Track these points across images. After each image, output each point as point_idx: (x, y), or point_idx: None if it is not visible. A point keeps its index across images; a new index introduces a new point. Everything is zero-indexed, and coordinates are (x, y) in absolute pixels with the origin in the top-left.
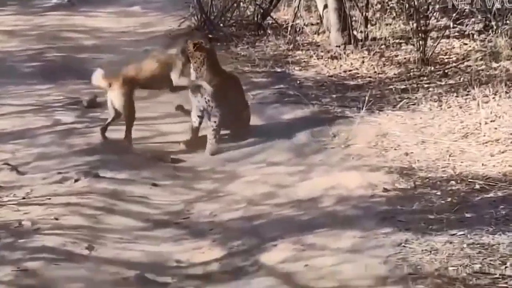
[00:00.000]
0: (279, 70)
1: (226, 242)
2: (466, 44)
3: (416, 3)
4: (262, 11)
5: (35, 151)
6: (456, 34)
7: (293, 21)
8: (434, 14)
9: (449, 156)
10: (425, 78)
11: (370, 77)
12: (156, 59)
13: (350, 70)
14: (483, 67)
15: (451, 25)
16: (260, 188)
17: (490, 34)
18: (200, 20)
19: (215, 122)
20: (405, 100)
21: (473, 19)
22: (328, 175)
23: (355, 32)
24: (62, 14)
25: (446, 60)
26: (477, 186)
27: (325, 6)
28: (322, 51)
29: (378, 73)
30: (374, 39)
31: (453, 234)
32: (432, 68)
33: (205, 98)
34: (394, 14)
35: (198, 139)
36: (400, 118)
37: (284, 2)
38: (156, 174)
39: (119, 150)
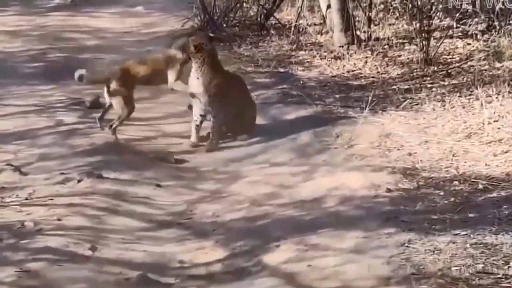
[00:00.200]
0: (282, 70)
1: (229, 242)
2: (469, 44)
3: (419, 3)
4: (265, 11)
5: (38, 151)
6: (459, 34)
7: (296, 21)
8: (437, 14)
9: (452, 156)
10: (428, 78)
11: (373, 77)
12: (155, 56)
13: (353, 70)
14: (486, 67)
15: (454, 25)
16: (263, 189)
17: (493, 34)
18: (203, 20)
19: (215, 122)
20: (408, 100)
21: (476, 19)
22: (331, 175)
23: (358, 32)
24: (64, 14)
25: (449, 60)
26: (480, 186)
27: (328, 6)
28: (325, 51)
29: (381, 73)
30: (377, 39)
31: (456, 234)
32: (435, 68)
33: (204, 103)
34: (397, 14)
35: (200, 138)
36: (403, 118)
37: (287, 3)
38: (159, 174)
39: (122, 151)
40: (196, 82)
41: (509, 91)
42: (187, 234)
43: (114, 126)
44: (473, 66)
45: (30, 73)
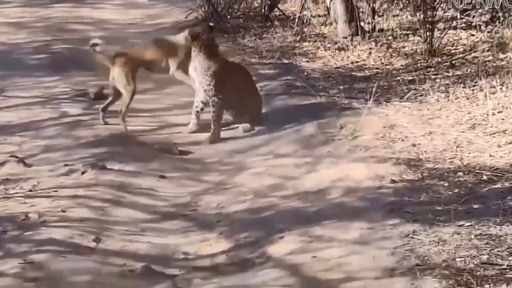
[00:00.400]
0: (286, 61)
1: (233, 234)
2: (473, 35)
3: None
4: (269, 2)
5: (42, 143)
6: (463, 25)
7: (300, 13)
8: (441, 5)
9: (457, 147)
10: (432, 69)
11: (377, 68)
12: (160, 43)
13: (357, 62)
14: (490, 58)
15: (458, 16)
16: (267, 180)
17: (497, 25)
18: (207, 11)
19: (214, 112)
20: (412, 91)
21: (480, 10)
22: (336, 166)
23: (362, 24)
24: (68, 6)
25: (453, 51)
26: (485, 177)
27: None
28: (329, 43)
29: (385, 64)
30: (381, 30)
31: (461, 225)
32: (439, 59)
33: (203, 92)
34: (401, 5)
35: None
36: (407, 109)
37: None
38: (163, 166)
39: (126, 142)
40: (193, 70)
41: None
42: (191, 226)
43: (122, 111)
44: (477, 57)
45: (34, 65)
